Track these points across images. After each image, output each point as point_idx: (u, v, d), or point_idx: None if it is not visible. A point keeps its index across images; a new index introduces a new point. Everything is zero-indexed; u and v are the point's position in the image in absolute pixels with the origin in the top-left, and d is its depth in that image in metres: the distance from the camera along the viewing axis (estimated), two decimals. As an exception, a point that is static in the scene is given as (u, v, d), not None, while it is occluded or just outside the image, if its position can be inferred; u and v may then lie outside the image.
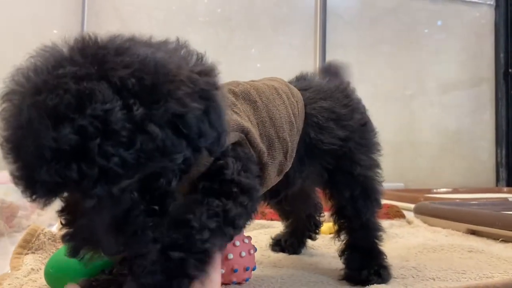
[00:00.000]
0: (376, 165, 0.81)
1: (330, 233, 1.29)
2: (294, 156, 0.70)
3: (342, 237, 0.81)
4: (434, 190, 2.35)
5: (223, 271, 0.70)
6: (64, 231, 0.47)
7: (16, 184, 0.40)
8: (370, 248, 0.79)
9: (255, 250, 0.76)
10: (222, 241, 0.51)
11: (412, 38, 2.61)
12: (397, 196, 1.92)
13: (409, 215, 1.52)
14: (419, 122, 2.62)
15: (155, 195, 0.44)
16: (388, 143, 2.49)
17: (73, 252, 0.46)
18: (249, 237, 0.76)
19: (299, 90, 0.76)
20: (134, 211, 0.43)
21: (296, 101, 0.72)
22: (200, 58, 0.48)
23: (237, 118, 0.60)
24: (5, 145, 0.40)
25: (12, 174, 0.40)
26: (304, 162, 0.73)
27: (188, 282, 0.46)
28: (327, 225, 1.31)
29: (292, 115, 0.69)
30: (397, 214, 1.47)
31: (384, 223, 1.38)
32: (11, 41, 1.92)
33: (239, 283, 0.72)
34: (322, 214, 1.02)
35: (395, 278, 0.78)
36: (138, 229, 0.43)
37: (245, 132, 0.59)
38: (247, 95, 0.66)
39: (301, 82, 0.81)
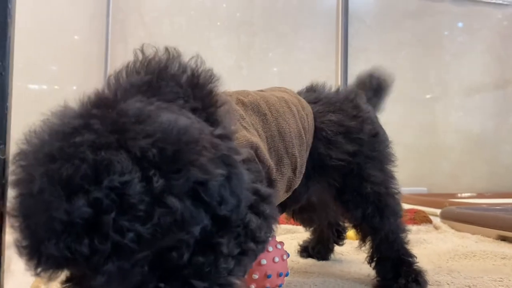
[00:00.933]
0: (390, 177, 0.78)
1: (357, 239, 1.28)
2: (303, 172, 0.68)
3: (368, 245, 0.79)
4: (459, 195, 2.32)
5: (257, 276, 0.69)
6: None
7: (20, 254, 0.37)
8: (399, 256, 0.77)
9: (288, 256, 0.76)
10: (246, 264, 0.48)
11: (434, 41, 2.58)
12: (422, 201, 1.90)
13: (435, 220, 1.50)
14: (442, 125, 2.58)
15: (166, 268, 0.41)
16: (411, 147, 2.49)
17: None
18: (281, 243, 0.75)
19: (309, 102, 0.74)
20: (144, 286, 0.40)
21: (306, 115, 0.71)
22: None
23: (245, 133, 0.57)
24: (13, 212, 0.38)
25: (16, 242, 0.37)
26: (311, 178, 0.71)
27: None
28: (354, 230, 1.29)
29: (302, 130, 0.68)
30: (423, 219, 1.45)
31: (411, 228, 1.37)
32: (36, 47, 1.96)
33: (272, 289, 0.72)
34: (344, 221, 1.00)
35: (430, 285, 0.77)
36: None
37: (254, 148, 0.56)
38: (257, 107, 0.64)
39: (310, 94, 0.79)
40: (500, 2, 2.69)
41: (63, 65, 2.06)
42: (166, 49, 0.51)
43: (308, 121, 0.70)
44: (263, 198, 0.49)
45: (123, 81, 0.47)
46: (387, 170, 0.78)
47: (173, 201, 0.36)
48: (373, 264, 0.79)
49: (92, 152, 0.35)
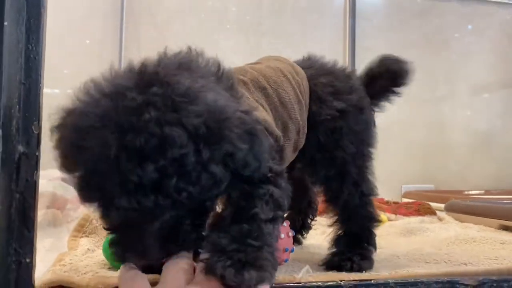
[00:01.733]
0: (365, 155, 0.80)
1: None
2: (306, 131, 0.75)
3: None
4: (466, 192, 2.34)
5: (264, 251, 0.74)
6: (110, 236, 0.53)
7: (89, 205, 0.48)
8: (357, 233, 0.78)
9: (293, 233, 0.80)
10: (278, 227, 0.55)
11: (441, 41, 2.61)
12: (428, 197, 1.92)
13: (441, 214, 1.53)
14: (449, 124, 2.61)
15: (199, 212, 0.51)
16: (418, 145, 2.52)
17: (118, 257, 0.52)
18: (287, 221, 0.80)
19: (303, 68, 0.80)
20: (183, 226, 0.50)
21: (301, 79, 0.77)
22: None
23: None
24: (84, 172, 0.46)
25: (85, 197, 0.47)
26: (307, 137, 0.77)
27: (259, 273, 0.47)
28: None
29: (299, 94, 0.74)
30: (428, 211, 1.49)
31: (415, 219, 1.42)
32: (50, 51, 2.01)
33: (279, 264, 0.76)
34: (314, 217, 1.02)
35: (428, 262, 0.81)
36: (184, 239, 0.50)
37: (263, 124, 0.61)
38: (257, 83, 0.71)
39: (305, 61, 0.85)
40: (507, 1, 2.72)
41: (76, 69, 2.11)
42: (189, 48, 0.60)
43: (303, 85, 0.76)
44: (277, 174, 0.57)
45: (163, 59, 0.55)
46: (363, 148, 0.79)
47: (214, 168, 0.46)
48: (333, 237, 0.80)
49: (158, 127, 0.43)
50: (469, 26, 2.67)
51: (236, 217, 0.51)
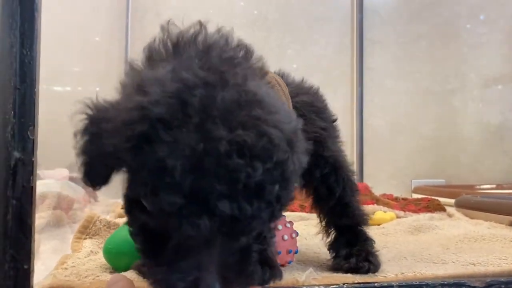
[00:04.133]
0: (343, 153, 0.85)
1: (381, 223, 1.31)
2: None
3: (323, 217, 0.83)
4: (477, 187, 2.31)
5: (267, 253, 0.73)
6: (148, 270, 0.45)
7: (160, 211, 0.38)
8: (352, 226, 0.81)
9: (297, 234, 0.79)
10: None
11: (451, 32, 2.57)
12: (439, 192, 1.90)
13: (450, 209, 1.51)
14: (460, 117, 2.57)
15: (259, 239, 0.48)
16: (429, 138, 2.49)
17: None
18: (291, 222, 0.79)
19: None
20: (253, 253, 0.46)
21: (287, 94, 0.77)
22: None
23: None
24: (169, 172, 0.36)
25: (164, 203, 0.37)
26: None
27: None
28: (379, 213, 1.32)
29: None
30: (437, 207, 1.47)
31: (424, 216, 1.40)
32: (60, 50, 2.02)
33: (282, 265, 0.75)
34: None
35: (435, 263, 0.79)
36: (250, 269, 0.45)
37: None
38: None
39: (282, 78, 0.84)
40: (519, -9, 2.66)
41: (85, 67, 2.11)
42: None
43: (289, 100, 0.77)
44: None
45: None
46: (342, 149, 0.85)
47: (297, 180, 0.42)
48: (328, 241, 0.82)
49: (266, 126, 0.39)
50: (481, 17, 2.62)
51: None
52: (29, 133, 0.53)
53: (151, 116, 0.38)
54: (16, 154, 0.52)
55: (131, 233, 0.47)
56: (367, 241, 0.80)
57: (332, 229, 0.82)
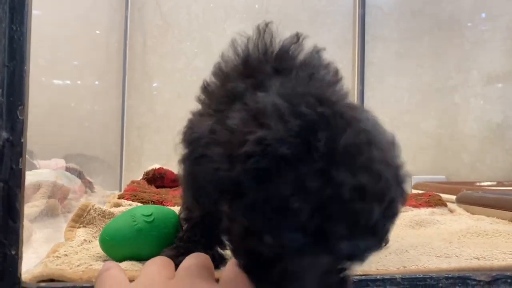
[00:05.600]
0: None
1: None
2: None
3: None
4: (477, 184, 2.29)
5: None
6: None
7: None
8: None
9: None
10: None
11: (454, 28, 2.55)
12: (439, 188, 1.88)
13: (452, 206, 1.49)
14: (461, 114, 2.55)
15: None
16: (430, 135, 2.47)
17: None
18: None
19: None
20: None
21: None
22: None
23: None
24: (308, 211, 0.37)
25: (286, 243, 0.38)
26: None
27: None
28: None
29: None
30: (438, 202, 1.45)
31: (425, 210, 1.37)
32: (60, 44, 1.99)
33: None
34: None
35: (438, 256, 0.77)
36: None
37: None
38: None
39: None
40: (523, -12, 2.63)
41: (84, 60, 2.09)
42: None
43: None
44: None
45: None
46: None
47: None
48: None
49: (382, 167, 0.39)
50: (483, 14, 2.60)
51: None
52: (18, 112, 0.51)
53: (277, 154, 0.37)
54: (5, 135, 0.50)
55: (233, 253, 0.46)
56: None
57: None
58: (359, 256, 0.40)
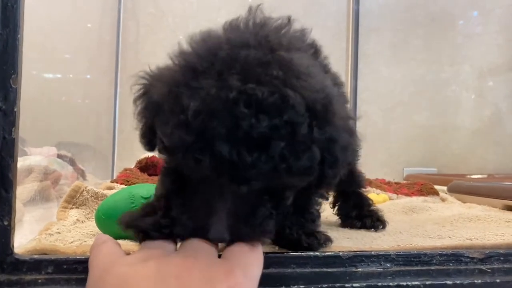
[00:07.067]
0: None
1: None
2: None
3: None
4: (468, 176, 2.31)
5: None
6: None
7: (172, 146, 0.43)
8: (357, 191, 0.90)
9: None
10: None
11: (448, 21, 2.55)
12: (431, 179, 1.88)
13: (444, 195, 1.50)
14: (453, 106, 2.56)
15: (276, 199, 0.49)
16: (422, 127, 2.48)
17: (157, 228, 0.48)
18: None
19: None
20: (264, 209, 0.47)
21: None
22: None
23: None
24: (190, 112, 0.40)
25: (178, 139, 0.41)
26: None
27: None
28: (372, 195, 1.30)
29: None
30: (430, 191, 1.46)
31: (417, 198, 1.38)
32: (51, 37, 1.95)
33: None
34: None
35: (431, 237, 0.78)
36: (261, 223, 0.47)
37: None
38: None
39: None
40: (516, -18, 2.64)
41: (76, 53, 2.05)
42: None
43: None
44: None
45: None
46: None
47: (316, 151, 0.43)
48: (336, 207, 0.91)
49: (282, 86, 0.41)
50: (476, 8, 2.61)
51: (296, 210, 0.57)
52: (11, 81, 0.50)
53: (187, 65, 0.44)
54: (-3, 104, 0.49)
55: (161, 173, 0.53)
56: (371, 204, 0.90)
57: (337, 195, 0.91)
58: (244, 168, 0.40)
